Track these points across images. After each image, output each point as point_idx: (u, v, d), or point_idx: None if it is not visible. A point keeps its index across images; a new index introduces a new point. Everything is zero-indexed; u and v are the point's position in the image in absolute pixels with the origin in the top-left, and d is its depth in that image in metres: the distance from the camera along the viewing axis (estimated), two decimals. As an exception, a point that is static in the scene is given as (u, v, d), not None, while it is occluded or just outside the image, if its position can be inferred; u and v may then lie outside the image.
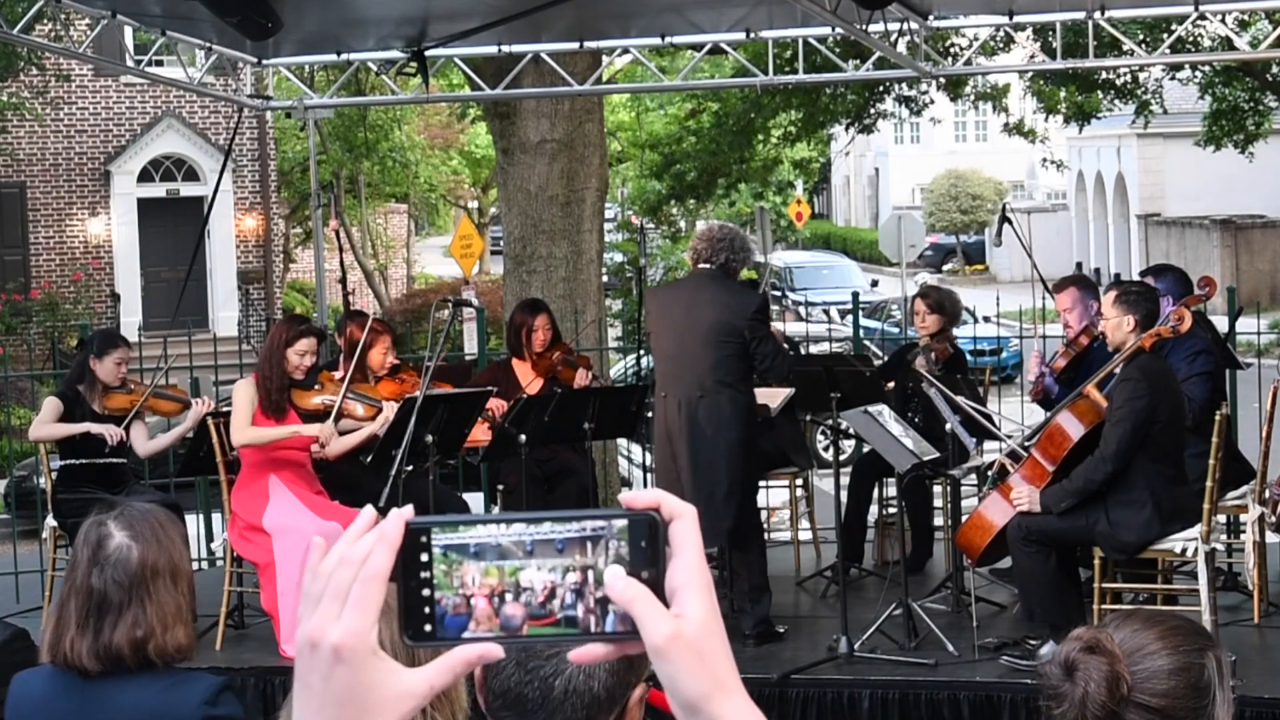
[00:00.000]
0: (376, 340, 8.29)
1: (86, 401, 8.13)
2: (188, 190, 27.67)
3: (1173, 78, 19.66)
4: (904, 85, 18.73)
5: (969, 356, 9.50)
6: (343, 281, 11.57)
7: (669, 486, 7.58)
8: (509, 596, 1.18)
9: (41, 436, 8.25)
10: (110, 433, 8.00)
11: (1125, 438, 6.76)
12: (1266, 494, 7.52)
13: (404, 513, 1.21)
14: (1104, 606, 6.89)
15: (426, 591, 1.19)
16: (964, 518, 7.68)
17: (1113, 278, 32.30)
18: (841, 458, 9.91)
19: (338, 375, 8.12)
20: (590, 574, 1.18)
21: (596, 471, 9.79)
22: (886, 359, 9.59)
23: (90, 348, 8.26)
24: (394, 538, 1.19)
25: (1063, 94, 19.47)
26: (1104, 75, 18.03)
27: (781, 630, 7.73)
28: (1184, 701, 2.37)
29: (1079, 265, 36.14)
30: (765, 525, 10.68)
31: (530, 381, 8.85)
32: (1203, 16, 10.08)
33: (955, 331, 9.24)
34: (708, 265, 7.62)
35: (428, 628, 1.19)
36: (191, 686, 3.26)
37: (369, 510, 1.23)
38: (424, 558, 1.19)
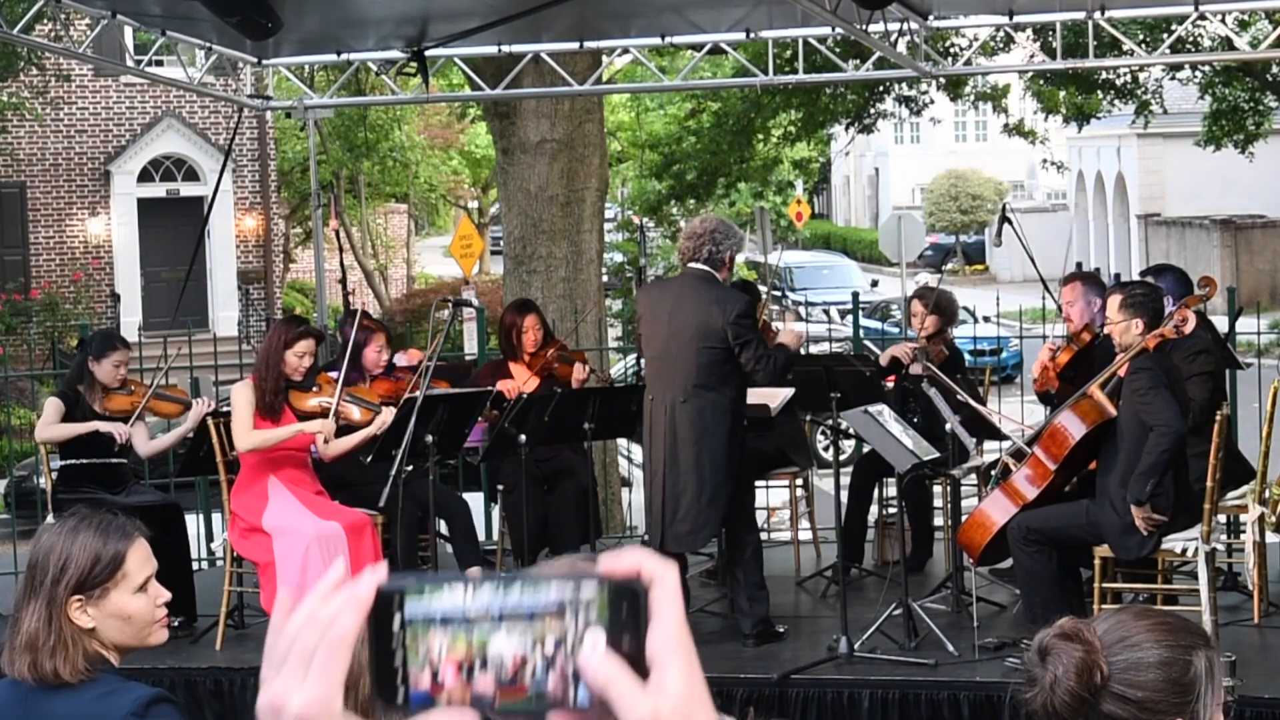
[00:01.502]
0: (370, 339, 8.28)
1: (87, 402, 8.13)
2: (188, 190, 27.67)
3: (1173, 78, 19.67)
4: (904, 85, 18.74)
5: (969, 356, 9.49)
6: (343, 281, 11.58)
7: (651, 487, 7.60)
8: (478, 667, 1.13)
9: (49, 438, 8.21)
10: (118, 431, 8.00)
11: (1168, 402, 6.69)
12: (1266, 494, 7.52)
13: (377, 574, 1.16)
14: (1104, 606, 6.89)
15: (400, 658, 1.14)
16: (964, 517, 7.68)
17: (1113, 278, 32.29)
18: (841, 458, 9.90)
19: (334, 376, 8.11)
20: (563, 644, 1.13)
21: (596, 471, 9.78)
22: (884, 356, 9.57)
23: (89, 349, 8.25)
24: (364, 601, 1.15)
25: (1062, 94, 19.48)
26: (1104, 75, 18.03)
27: (782, 630, 7.72)
28: (1164, 696, 2.33)
29: (1079, 265, 36.11)
30: (765, 525, 10.71)
31: (525, 381, 8.85)
32: (1203, 16, 10.08)
33: (955, 331, 9.23)
34: (695, 264, 7.60)
35: (400, 696, 1.14)
36: (122, 697, 3.16)
37: (339, 566, 1.18)
38: (395, 621, 1.14)
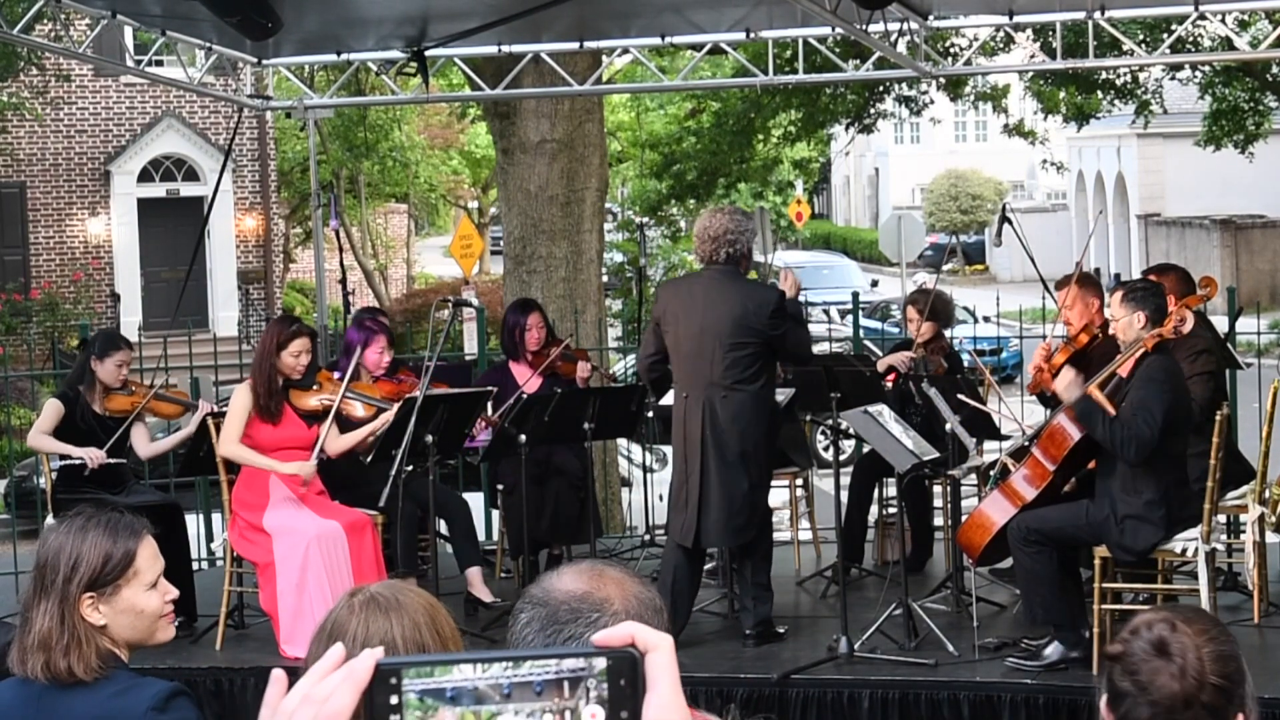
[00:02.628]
0: (372, 340, 8.28)
1: (87, 402, 8.13)
2: (188, 190, 27.67)
3: (1173, 78, 19.67)
4: (904, 85, 18.74)
5: (967, 357, 9.49)
6: (343, 281, 11.58)
7: (680, 487, 7.59)
8: None
9: (37, 446, 8.31)
10: (90, 456, 8.00)
11: (1159, 418, 6.68)
12: (1266, 494, 7.52)
13: (375, 653, 1.16)
14: (1104, 606, 6.89)
15: None
16: (964, 517, 7.67)
17: (1113, 278, 32.30)
18: (841, 458, 9.90)
19: (336, 375, 8.11)
20: (569, 716, 1.14)
21: (596, 471, 9.78)
22: (883, 354, 9.56)
23: (92, 348, 8.26)
24: (361, 678, 1.15)
25: (1062, 94, 19.48)
26: (1104, 75, 18.03)
27: (781, 630, 7.72)
28: (1238, 685, 2.52)
29: (1078, 265, 36.11)
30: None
31: (528, 380, 8.85)
32: (1203, 16, 10.08)
33: (955, 332, 9.21)
34: (715, 264, 7.58)
35: None
36: (140, 692, 3.20)
37: (338, 648, 1.18)
38: (394, 700, 1.14)
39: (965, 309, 24.40)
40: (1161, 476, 6.83)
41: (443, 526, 8.59)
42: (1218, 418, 7.00)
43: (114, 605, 3.23)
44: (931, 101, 20.25)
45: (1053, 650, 6.91)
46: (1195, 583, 7.11)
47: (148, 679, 3.29)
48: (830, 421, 9.04)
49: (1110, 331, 7.23)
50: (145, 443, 8.30)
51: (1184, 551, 7.01)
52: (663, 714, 1.16)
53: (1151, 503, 6.82)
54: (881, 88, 18.71)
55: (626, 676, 1.15)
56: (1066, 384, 6.84)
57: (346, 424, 7.94)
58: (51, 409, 8.16)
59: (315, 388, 7.86)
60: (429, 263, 41.11)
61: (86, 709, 3.17)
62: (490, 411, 8.51)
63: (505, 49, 10.23)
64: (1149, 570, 7.44)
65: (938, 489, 8.88)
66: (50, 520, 8.35)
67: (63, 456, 8.16)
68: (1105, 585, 7.01)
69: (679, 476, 7.62)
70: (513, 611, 2.12)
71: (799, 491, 9.48)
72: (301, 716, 1.16)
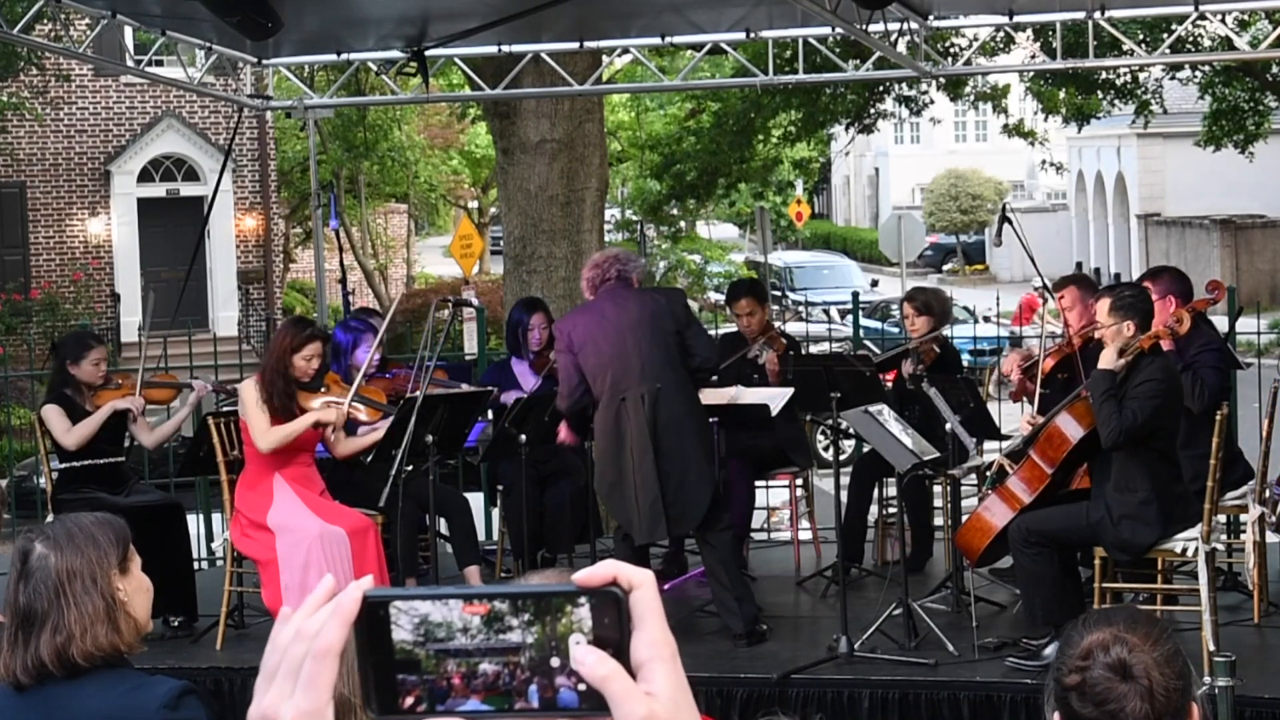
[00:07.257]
0: (360, 340, 8.29)
1: (79, 405, 8.06)
2: (188, 190, 27.68)
3: (1173, 78, 19.66)
4: (904, 85, 18.73)
5: (968, 357, 9.48)
6: (343, 281, 11.59)
7: (612, 491, 7.62)
8: (473, 680, 1.17)
9: (81, 437, 7.98)
10: (134, 404, 8.02)
11: (1148, 418, 6.69)
12: (1266, 494, 7.52)
13: (363, 584, 1.17)
14: (1105, 606, 6.89)
15: (388, 667, 1.16)
16: (964, 518, 7.68)
17: (1113, 278, 32.30)
18: (841, 458, 9.90)
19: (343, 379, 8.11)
20: (551, 653, 1.16)
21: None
22: (883, 356, 9.57)
23: (64, 355, 8.10)
24: (348, 612, 1.16)
25: (1062, 94, 19.47)
26: (1104, 75, 18.03)
27: (764, 628, 7.71)
28: (1188, 678, 2.62)
29: (1079, 265, 36.18)
30: (765, 525, 10.72)
31: (533, 382, 8.85)
32: (1203, 16, 10.08)
33: (953, 331, 9.23)
34: (608, 283, 7.67)
35: (390, 702, 1.16)
36: (152, 690, 3.23)
37: (328, 580, 1.19)
38: (384, 631, 1.16)
39: (965, 309, 24.42)
40: (1154, 474, 6.84)
41: (443, 526, 8.59)
42: (1218, 418, 6.99)
43: (128, 582, 3.31)
44: (931, 101, 20.25)
45: (1053, 650, 6.91)
46: (1195, 583, 7.11)
47: (159, 677, 3.33)
48: (830, 421, 9.04)
49: (1097, 336, 7.19)
50: (147, 433, 8.25)
51: (1184, 551, 7.02)
52: (655, 650, 1.16)
53: (1145, 501, 6.82)
54: (881, 88, 18.70)
55: (610, 614, 1.15)
56: (1110, 359, 6.85)
57: (349, 426, 7.95)
58: (57, 414, 8.00)
59: (323, 390, 7.85)
60: (429, 263, 41.13)
61: (98, 707, 3.19)
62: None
63: (505, 49, 10.23)
64: (1149, 570, 7.44)
65: (938, 489, 8.88)
66: (49, 518, 8.33)
67: (63, 458, 8.10)
68: (1105, 585, 7.02)
69: (608, 481, 7.65)
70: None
71: (799, 491, 9.48)
72: (295, 651, 1.16)
